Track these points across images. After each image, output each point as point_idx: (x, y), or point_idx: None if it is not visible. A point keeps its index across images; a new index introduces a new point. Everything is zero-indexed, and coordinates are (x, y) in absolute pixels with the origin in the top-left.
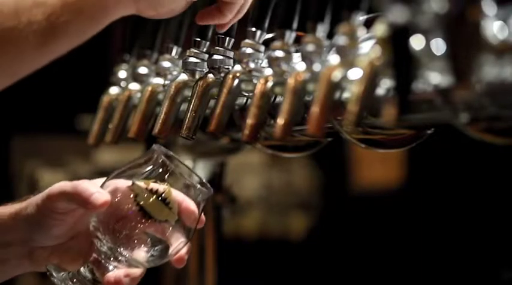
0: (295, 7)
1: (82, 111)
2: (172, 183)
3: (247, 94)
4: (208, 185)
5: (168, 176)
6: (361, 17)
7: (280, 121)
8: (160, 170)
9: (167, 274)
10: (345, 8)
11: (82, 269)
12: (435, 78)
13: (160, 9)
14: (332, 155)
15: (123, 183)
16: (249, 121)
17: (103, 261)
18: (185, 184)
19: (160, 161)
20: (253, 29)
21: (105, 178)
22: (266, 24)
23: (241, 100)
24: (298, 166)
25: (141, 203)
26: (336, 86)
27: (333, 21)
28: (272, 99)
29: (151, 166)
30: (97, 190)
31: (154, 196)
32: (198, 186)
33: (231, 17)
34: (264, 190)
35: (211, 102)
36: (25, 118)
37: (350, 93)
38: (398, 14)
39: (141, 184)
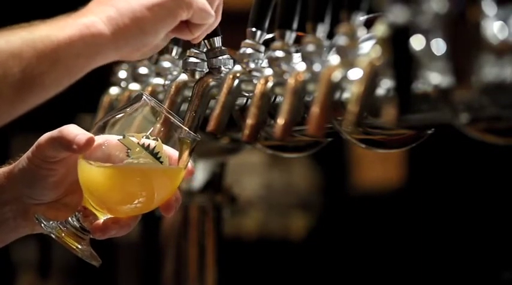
0: (295, 7)
1: (82, 111)
2: (163, 132)
3: (247, 94)
4: (194, 134)
5: (158, 125)
6: (361, 17)
7: (280, 121)
8: (150, 118)
9: (167, 274)
10: (345, 8)
11: (70, 218)
12: (435, 78)
13: (144, 48)
14: (332, 155)
15: (113, 137)
16: (249, 121)
17: (94, 210)
18: (174, 131)
19: (148, 109)
20: (253, 29)
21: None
22: (266, 24)
23: (241, 100)
24: (298, 166)
25: (133, 157)
26: (336, 86)
27: (333, 21)
28: (272, 99)
29: (139, 116)
30: (81, 132)
31: (145, 151)
32: (187, 134)
33: (198, 35)
34: (264, 190)
35: (212, 102)
36: (25, 118)
37: (350, 93)
38: (398, 14)
39: (132, 138)
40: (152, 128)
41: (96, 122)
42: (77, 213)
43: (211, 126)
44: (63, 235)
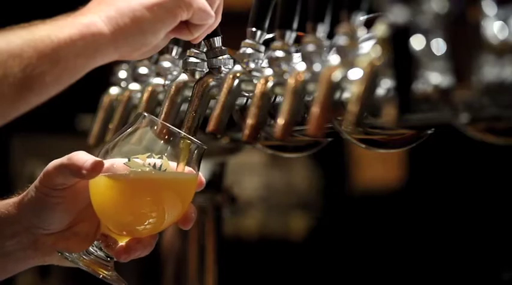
0: (295, 7)
1: (82, 111)
2: (168, 148)
3: (247, 94)
4: (199, 142)
5: (162, 143)
6: (361, 17)
7: (281, 121)
8: (153, 138)
9: (167, 274)
10: (345, 8)
11: (91, 247)
12: (435, 78)
13: (144, 48)
14: (332, 155)
15: (119, 161)
16: (249, 121)
17: (114, 235)
18: (179, 143)
19: (149, 127)
20: (253, 29)
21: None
22: (266, 24)
23: (242, 100)
24: (298, 166)
25: None
26: (336, 86)
27: (333, 21)
28: (272, 99)
29: (142, 134)
30: (90, 157)
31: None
32: (192, 144)
33: (198, 35)
34: (264, 190)
35: (212, 102)
36: (25, 118)
37: (350, 93)
38: (398, 14)
39: (137, 160)
40: (156, 146)
41: (101, 148)
42: (96, 242)
43: (211, 126)
44: (89, 264)
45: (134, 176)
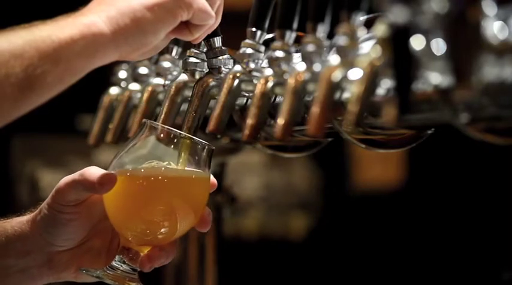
0: (295, 7)
1: (82, 111)
2: (177, 152)
3: (247, 94)
4: (207, 142)
5: (171, 148)
6: (361, 17)
7: (281, 121)
8: (159, 144)
9: (167, 274)
10: (345, 8)
11: (114, 263)
12: (435, 78)
13: (144, 49)
14: (332, 155)
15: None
16: (249, 121)
17: (135, 247)
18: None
19: (156, 135)
20: (253, 29)
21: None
22: (266, 24)
23: (241, 100)
24: (298, 166)
25: None
26: (336, 86)
27: (333, 21)
28: (272, 99)
29: (151, 143)
30: (102, 171)
31: None
32: (199, 145)
33: (198, 36)
34: (264, 190)
35: (212, 102)
36: (25, 118)
37: (350, 93)
38: (398, 14)
39: (149, 164)
40: (164, 152)
41: (110, 162)
42: (118, 257)
43: (211, 126)
44: (116, 279)
45: (149, 174)
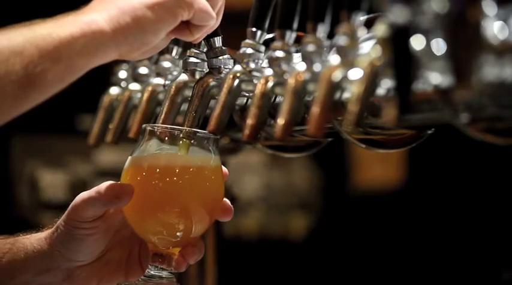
0: (295, 7)
1: (82, 111)
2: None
3: (247, 94)
4: (210, 133)
5: (173, 146)
6: (361, 17)
7: (281, 121)
8: (163, 143)
9: None
10: (345, 8)
11: (151, 271)
12: (435, 78)
13: (144, 48)
14: (332, 155)
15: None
16: (249, 121)
17: (166, 250)
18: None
19: (158, 137)
20: (253, 29)
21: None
22: (266, 24)
23: (241, 100)
24: (298, 166)
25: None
26: (336, 86)
27: (333, 21)
28: (272, 99)
29: (157, 146)
30: (118, 184)
31: None
32: (205, 140)
33: (198, 36)
34: (264, 190)
35: (212, 102)
36: (25, 118)
37: (350, 93)
38: (398, 14)
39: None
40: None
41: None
42: (151, 264)
43: (211, 126)
44: None
45: (164, 171)
